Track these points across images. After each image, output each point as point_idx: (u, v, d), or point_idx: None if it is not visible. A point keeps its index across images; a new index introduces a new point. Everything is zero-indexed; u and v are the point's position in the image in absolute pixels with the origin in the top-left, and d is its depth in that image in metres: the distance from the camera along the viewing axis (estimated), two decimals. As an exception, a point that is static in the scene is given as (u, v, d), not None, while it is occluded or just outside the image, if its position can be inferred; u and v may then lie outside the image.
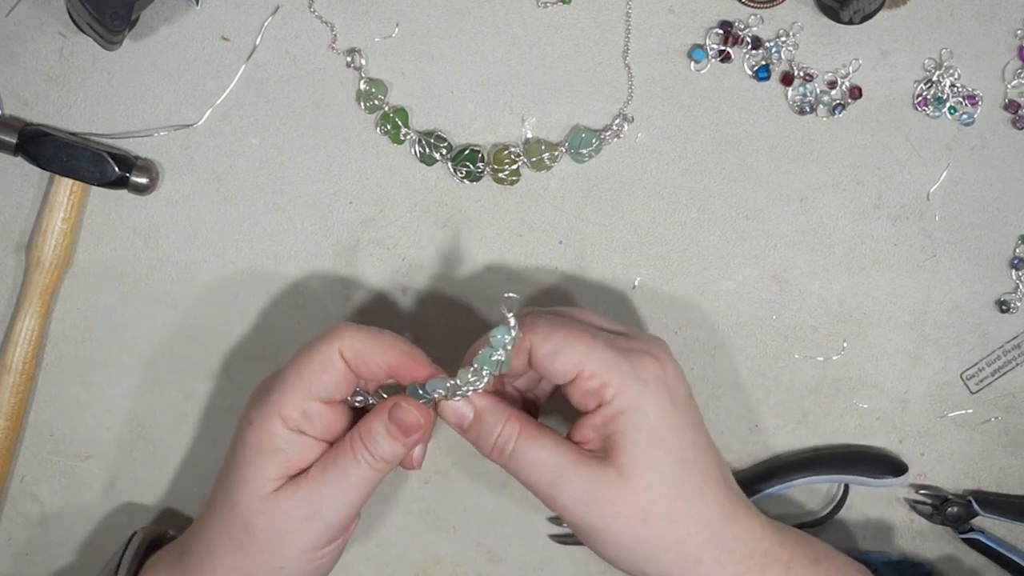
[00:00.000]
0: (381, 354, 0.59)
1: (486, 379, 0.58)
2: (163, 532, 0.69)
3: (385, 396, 0.61)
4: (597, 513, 0.58)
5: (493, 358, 0.58)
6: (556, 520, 0.72)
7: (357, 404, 0.62)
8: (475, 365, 0.58)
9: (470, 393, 0.59)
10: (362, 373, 0.60)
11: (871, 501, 0.72)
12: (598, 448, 0.59)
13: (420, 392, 0.59)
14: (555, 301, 0.71)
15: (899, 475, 0.70)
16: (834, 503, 0.72)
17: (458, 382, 0.59)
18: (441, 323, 0.71)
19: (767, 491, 0.70)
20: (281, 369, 0.61)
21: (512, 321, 0.57)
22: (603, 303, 0.71)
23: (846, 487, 0.71)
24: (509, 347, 0.58)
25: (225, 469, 0.62)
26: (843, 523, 0.73)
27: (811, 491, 0.73)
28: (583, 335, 0.58)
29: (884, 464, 0.71)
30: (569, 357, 0.58)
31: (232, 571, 0.60)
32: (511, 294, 0.58)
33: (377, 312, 0.71)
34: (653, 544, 0.58)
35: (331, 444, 0.61)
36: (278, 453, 0.59)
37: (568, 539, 0.72)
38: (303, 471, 0.60)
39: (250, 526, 0.59)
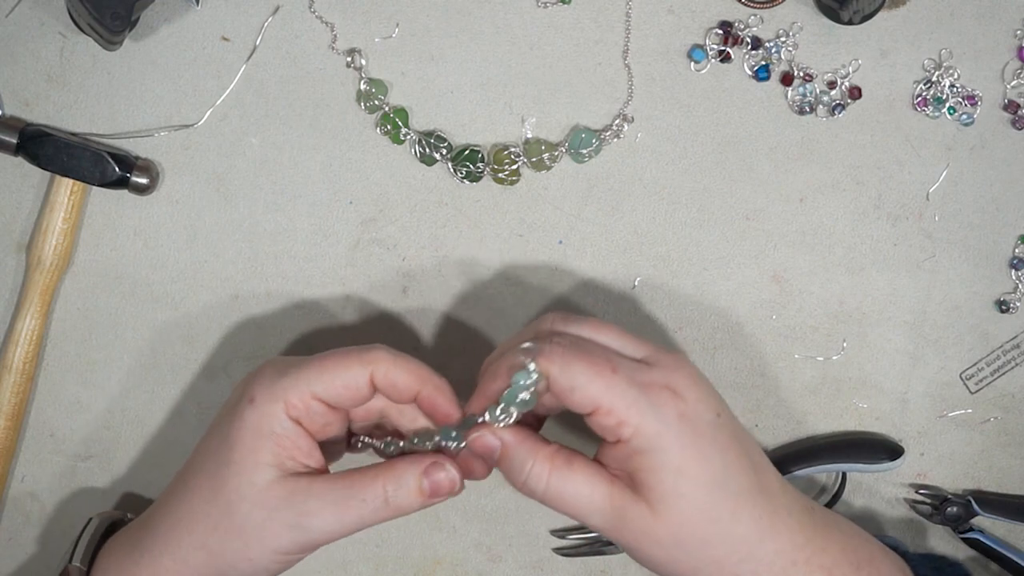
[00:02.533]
0: (415, 384, 0.59)
1: (515, 417, 0.58)
2: (121, 516, 0.67)
3: (398, 445, 0.60)
4: (634, 540, 0.57)
5: (520, 397, 0.58)
6: (559, 533, 0.72)
7: (359, 446, 0.62)
8: (501, 403, 0.58)
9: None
10: (388, 395, 0.60)
11: (870, 498, 0.72)
12: (624, 475, 0.58)
13: (453, 435, 0.59)
14: (555, 301, 0.71)
15: (895, 459, 0.70)
16: (832, 492, 0.72)
17: (486, 419, 0.58)
18: (441, 323, 0.71)
19: None
20: (298, 358, 0.61)
21: (532, 366, 0.57)
22: (603, 303, 0.71)
23: (843, 475, 0.71)
24: (530, 391, 0.58)
25: (212, 444, 0.61)
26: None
27: (809, 481, 0.73)
28: (602, 370, 0.57)
29: (880, 449, 0.70)
30: (586, 393, 0.56)
31: (198, 549, 0.59)
32: (528, 344, 0.58)
33: (377, 312, 0.71)
34: (690, 563, 0.57)
35: (321, 447, 0.60)
36: (272, 437, 0.58)
37: (572, 552, 0.72)
38: (297, 474, 0.59)
39: (232, 509, 0.58)
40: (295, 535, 0.58)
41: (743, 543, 0.57)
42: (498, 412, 0.58)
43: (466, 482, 0.72)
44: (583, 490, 0.58)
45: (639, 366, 0.58)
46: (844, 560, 0.59)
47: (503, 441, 0.58)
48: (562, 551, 0.72)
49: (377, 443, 0.61)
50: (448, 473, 0.59)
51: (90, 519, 0.66)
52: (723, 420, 0.58)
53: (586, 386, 0.56)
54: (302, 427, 0.59)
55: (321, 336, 0.71)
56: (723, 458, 0.57)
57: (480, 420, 0.58)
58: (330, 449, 0.63)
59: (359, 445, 0.63)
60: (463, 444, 0.59)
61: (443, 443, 0.59)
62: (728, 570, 0.57)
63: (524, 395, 0.58)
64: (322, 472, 0.60)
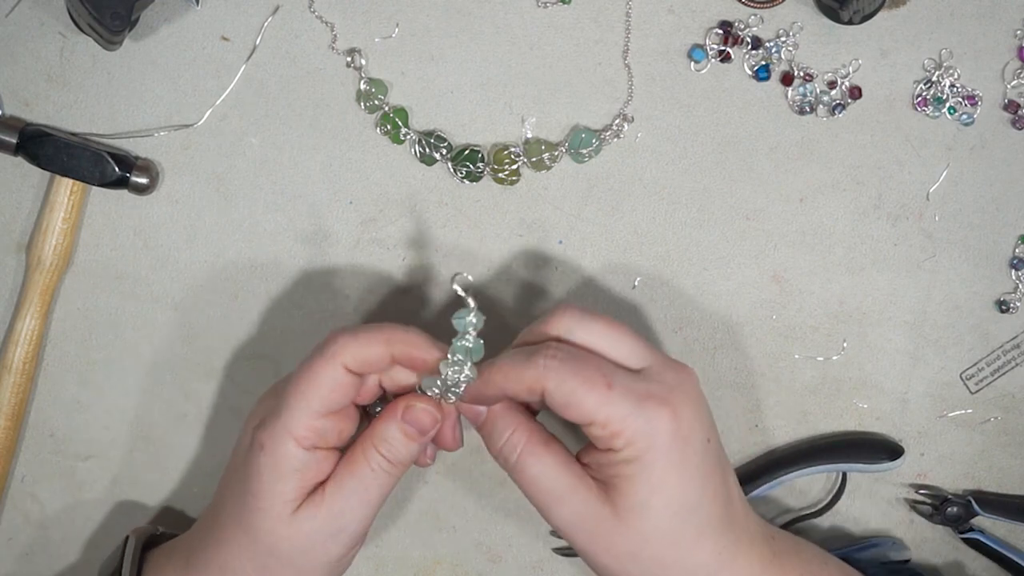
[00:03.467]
0: (384, 352, 0.59)
1: (467, 370, 0.58)
2: (154, 531, 0.68)
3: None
4: (588, 541, 0.58)
5: (460, 343, 0.58)
6: (557, 532, 0.72)
7: (377, 413, 0.62)
8: (448, 356, 0.58)
9: (463, 386, 0.59)
10: (370, 373, 0.60)
11: (870, 498, 0.72)
12: (601, 478, 0.58)
13: (433, 384, 0.59)
14: (555, 301, 0.71)
15: (895, 459, 0.70)
16: (833, 492, 0.72)
17: (444, 377, 0.58)
18: (441, 324, 0.71)
19: (765, 485, 0.70)
20: (282, 386, 0.61)
21: (470, 303, 0.57)
22: (603, 303, 0.71)
23: (843, 475, 0.71)
24: (472, 330, 0.57)
25: (236, 491, 0.61)
26: (842, 521, 0.73)
27: (810, 480, 0.73)
28: (597, 383, 0.56)
29: (880, 449, 0.71)
30: (582, 408, 0.56)
31: None
32: (461, 273, 0.57)
33: (377, 312, 0.71)
34: None
35: (343, 450, 0.61)
36: (294, 474, 0.58)
37: (570, 551, 0.72)
38: (319, 484, 0.59)
39: (274, 550, 0.59)
40: (338, 541, 0.59)
41: (699, 571, 0.57)
42: (449, 369, 0.58)
43: (467, 485, 0.72)
44: (550, 473, 0.58)
45: (638, 377, 0.58)
46: None
47: (491, 418, 0.59)
48: (562, 551, 0.72)
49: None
50: (423, 407, 0.59)
51: (127, 537, 0.66)
52: (712, 446, 0.58)
53: (581, 402, 0.56)
54: (320, 450, 0.59)
55: (321, 336, 0.71)
56: (702, 485, 0.57)
57: (439, 380, 0.58)
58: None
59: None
60: (450, 392, 0.59)
61: (428, 392, 0.59)
62: None
63: (467, 340, 0.58)
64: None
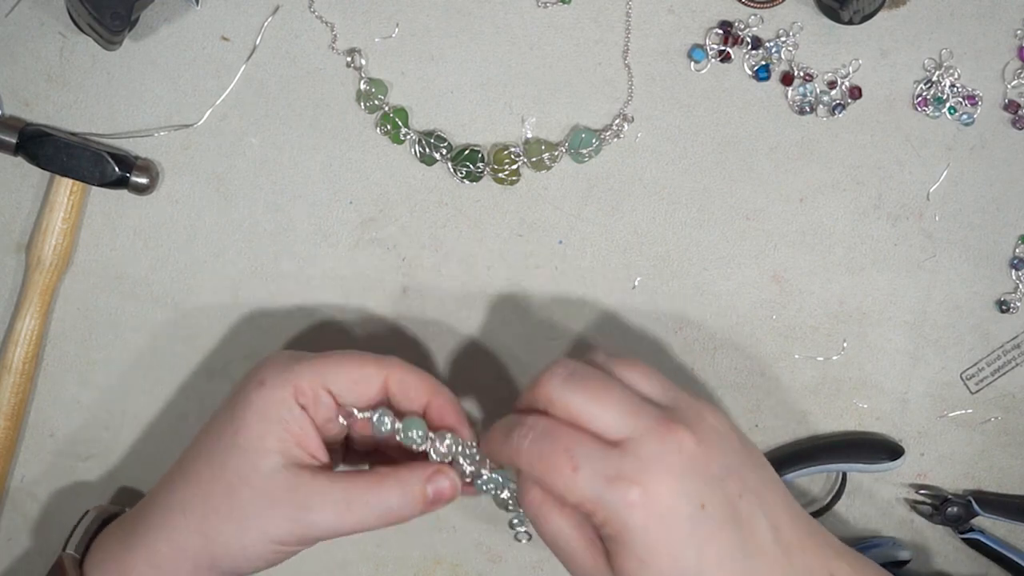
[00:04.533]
0: (426, 393, 0.61)
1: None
2: (119, 510, 0.67)
3: (419, 437, 0.61)
4: None
5: (502, 493, 0.61)
6: None
7: (382, 430, 0.61)
8: (488, 474, 0.61)
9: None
10: (399, 400, 0.61)
11: (870, 498, 0.72)
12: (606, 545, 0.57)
13: (468, 454, 0.61)
14: (555, 301, 0.71)
15: (896, 459, 0.70)
16: (833, 492, 0.72)
17: (481, 472, 0.61)
18: (441, 324, 0.71)
19: None
20: (314, 353, 0.61)
21: (511, 488, 0.61)
22: (603, 303, 0.71)
23: (843, 475, 0.71)
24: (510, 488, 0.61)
25: (216, 428, 0.61)
26: (842, 521, 0.73)
27: (810, 480, 0.73)
28: (562, 468, 0.55)
29: (880, 449, 0.71)
30: (553, 490, 0.56)
31: (193, 533, 0.59)
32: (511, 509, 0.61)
33: (377, 312, 0.71)
34: None
35: (326, 445, 0.61)
36: (280, 422, 0.59)
37: None
38: (301, 465, 0.59)
39: (233, 492, 0.58)
40: (293, 527, 0.58)
41: None
42: (484, 478, 0.61)
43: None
44: (564, 533, 0.57)
45: (608, 455, 0.55)
46: None
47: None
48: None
49: (368, 413, 0.61)
50: (451, 479, 0.60)
51: (87, 511, 0.66)
52: (709, 510, 0.55)
53: (550, 486, 0.56)
54: (307, 416, 0.59)
55: (321, 336, 0.71)
56: (699, 553, 0.54)
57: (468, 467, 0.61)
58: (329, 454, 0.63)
59: (352, 415, 0.62)
60: (474, 469, 0.61)
61: (454, 450, 0.61)
62: None
63: (505, 493, 0.61)
64: (326, 469, 0.60)
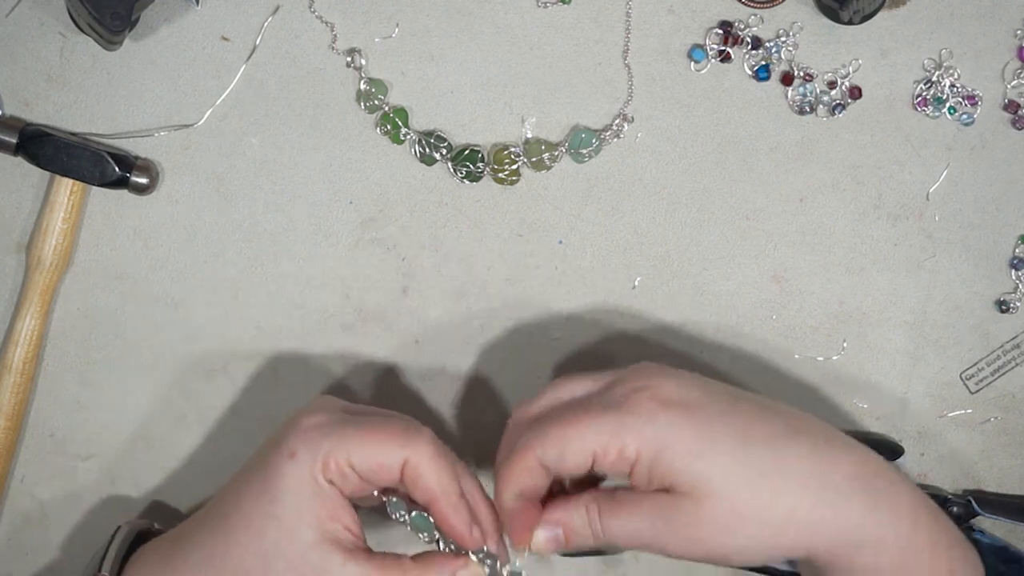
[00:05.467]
0: (435, 493, 0.59)
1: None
2: (149, 526, 0.68)
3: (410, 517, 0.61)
4: (701, 543, 0.56)
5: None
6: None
7: (394, 518, 0.61)
8: (510, 568, 0.61)
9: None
10: (408, 487, 0.59)
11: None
12: (659, 487, 0.57)
13: (487, 562, 0.60)
14: (555, 301, 0.71)
15: (895, 459, 0.70)
16: None
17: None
18: (441, 324, 0.71)
19: None
20: (340, 412, 0.60)
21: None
22: (603, 303, 0.71)
23: None
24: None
25: (250, 491, 0.59)
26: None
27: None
28: (572, 418, 0.56)
29: (880, 449, 0.70)
30: (575, 448, 0.56)
31: None
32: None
33: (377, 312, 0.71)
34: (770, 531, 0.55)
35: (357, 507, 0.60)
36: (315, 497, 0.58)
37: (573, 552, 0.71)
38: (335, 542, 0.58)
39: (268, 562, 0.58)
40: None
41: (808, 480, 0.55)
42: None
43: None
44: (629, 519, 0.57)
45: (605, 391, 0.58)
46: (943, 540, 0.57)
47: (562, 524, 0.59)
48: (563, 551, 0.72)
49: (385, 497, 0.61)
50: (479, 570, 0.60)
51: (118, 527, 0.66)
52: (714, 388, 0.58)
53: (570, 441, 0.56)
54: (336, 488, 0.58)
55: (321, 336, 0.71)
56: (732, 422, 0.56)
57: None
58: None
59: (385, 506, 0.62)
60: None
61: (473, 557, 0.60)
62: (807, 517, 0.55)
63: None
64: (359, 546, 0.60)
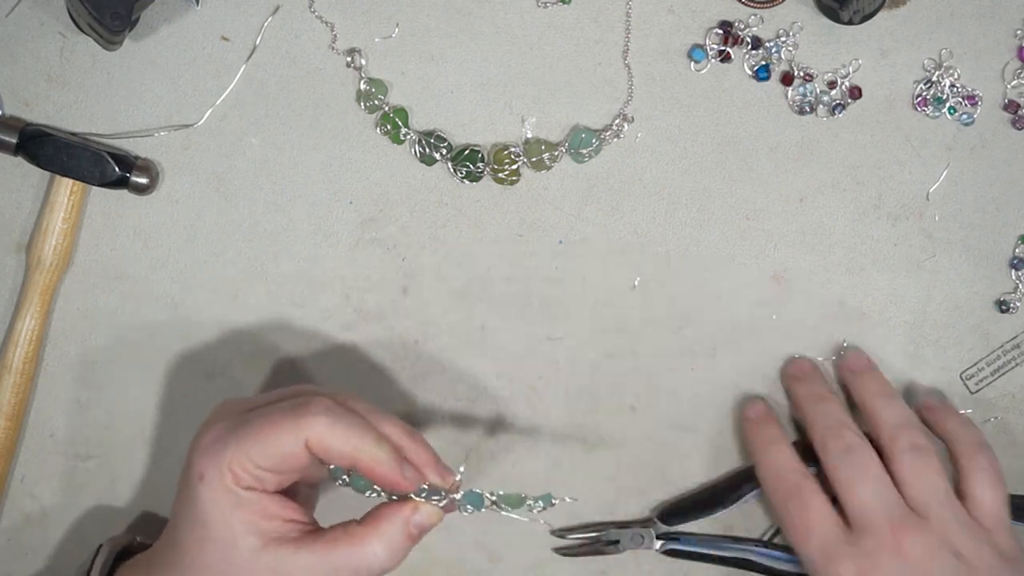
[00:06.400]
0: (350, 454, 0.58)
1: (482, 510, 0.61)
2: (131, 541, 0.67)
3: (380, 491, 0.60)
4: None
5: (481, 508, 0.60)
6: (558, 532, 0.72)
7: (338, 484, 0.61)
8: (460, 496, 0.60)
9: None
10: (326, 462, 0.59)
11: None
12: None
13: (435, 498, 0.60)
14: (555, 301, 0.71)
15: None
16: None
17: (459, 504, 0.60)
18: (441, 324, 0.71)
19: (756, 490, 0.69)
20: (239, 413, 0.59)
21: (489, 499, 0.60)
22: (603, 303, 0.71)
23: None
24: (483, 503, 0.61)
25: (184, 522, 0.59)
26: (843, 523, 0.73)
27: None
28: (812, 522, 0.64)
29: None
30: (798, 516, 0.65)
31: None
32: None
33: (377, 312, 0.71)
34: None
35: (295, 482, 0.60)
36: (235, 510, 0.57)
37: (572, 551, 0.72)
38: (279, 540, 0.58)
39: None
40: None
41: None
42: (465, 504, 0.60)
43: (466, 485, 0.72)
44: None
45: (843, 534, 0.63)
46: None
47: None
48: (562, 551, 0.72)
49: (340, 480, 0.61)
50: (427, 511, 0.59)
51: (100, 546, 0.65)
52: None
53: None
54: (257, 492, 0.58)
55: (321, 336, 0.71)
56: None
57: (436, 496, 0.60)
58: (308, 491, 0.64)
59: (338, 484, 0.61)
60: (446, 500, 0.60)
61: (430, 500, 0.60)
62: None
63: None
64: (306, 529, 0.59)
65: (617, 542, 0.70)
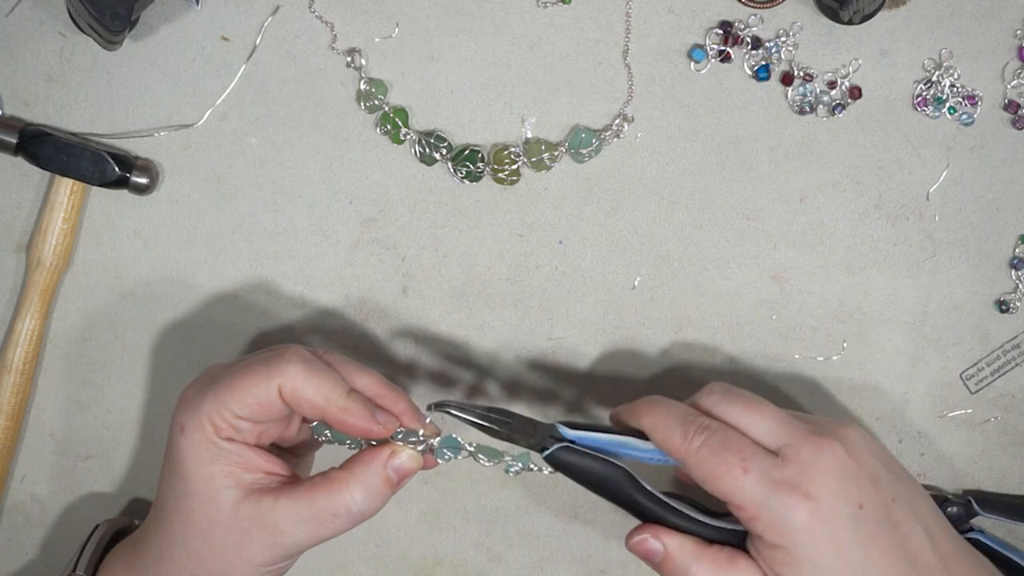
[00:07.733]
0: (320, 405, 0.59)
1: (460, 456, 0.61)
2: (128, 523, 0.68)
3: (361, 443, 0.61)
4: None
5: (459, 455, 0.61)
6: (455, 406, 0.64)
7: (322, 440, 0.62)
8: (438, 441, 0.60)
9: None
10: (298, 412, 0.60)
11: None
12: (770, 573, 0.58)
13: (412, 439, 0.60)
14: (555, 302, 0.71)
15: None
16: None
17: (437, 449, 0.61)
18: (441, 324, 0.71)
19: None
20: (219, 370, 0.61)
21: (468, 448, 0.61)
22: (603, 303, 0.71)
23: None
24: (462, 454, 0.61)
25: (167, 477, 0.60)
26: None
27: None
28: (732, 470, 0.57)
29: None
30: (717, 488, 0.57)
31: (187, 575, 0.60)
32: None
33: (377, 312, 0.71)
34: None
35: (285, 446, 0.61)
36: (216, 461, 0.58)
37: (455, 413, 0.63)
38: (260, 490, 0.59)
39: (207, 536, 0.59)
40: (274, 552, 0.59)
41: None
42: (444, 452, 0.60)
43: (467, 485, 0.72)
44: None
45: (774, 462, 0.57)
46: None
47: (665, 546, 0.59)
48: (443, 408, 0.61)
49: (322, 436, 0.62)
50: (405, 455, 0.60)
51: (96, 526, 0.66)
52: (867, 510, 0.57)
53: (717, 483, 0.57)
54: (237, 443, 0.59)
55: (321, 336, 0.71)
56: (864, 552, 0.56)
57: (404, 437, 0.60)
58: (296, 447, 0.64)
59: (320, 440, 0.63)
60: (425, 444, 0.60)
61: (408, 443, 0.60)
62: None
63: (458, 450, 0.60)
64: (287, 481, 0.60)
65: (508, 424, 0.61)
